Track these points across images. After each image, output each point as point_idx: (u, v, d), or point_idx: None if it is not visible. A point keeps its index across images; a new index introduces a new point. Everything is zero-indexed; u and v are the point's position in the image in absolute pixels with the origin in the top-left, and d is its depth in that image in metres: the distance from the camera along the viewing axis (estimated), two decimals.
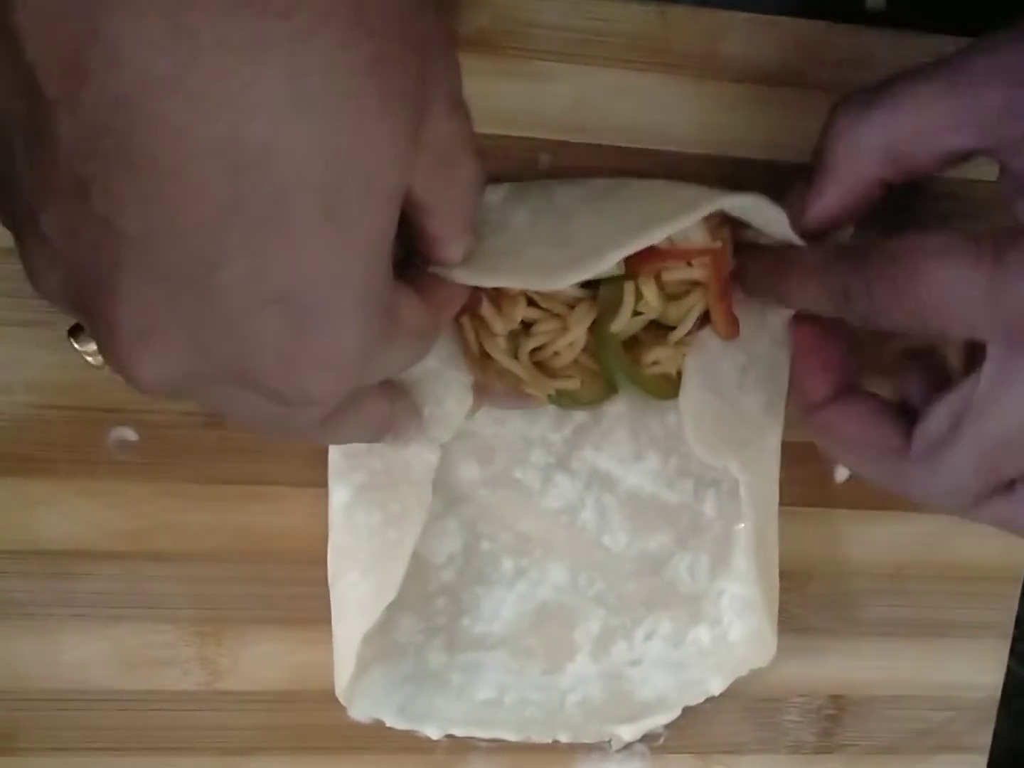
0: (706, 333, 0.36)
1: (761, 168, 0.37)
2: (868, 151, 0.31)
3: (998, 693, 0.45)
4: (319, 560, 0.36)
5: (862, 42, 0.37)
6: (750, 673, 0.39)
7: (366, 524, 0.35)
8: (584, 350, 0.35)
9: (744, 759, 0.43)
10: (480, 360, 0.35)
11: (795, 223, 0.33)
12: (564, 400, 0.36)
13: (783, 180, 0.35)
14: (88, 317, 0.25)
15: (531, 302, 0.35)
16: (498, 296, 0.34)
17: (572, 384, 0.36)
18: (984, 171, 0.32)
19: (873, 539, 0.42)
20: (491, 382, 0.35)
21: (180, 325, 0.24)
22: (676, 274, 0.35)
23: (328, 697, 0.37)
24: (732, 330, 0.36)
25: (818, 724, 0.44)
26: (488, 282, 0.32)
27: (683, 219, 0.32)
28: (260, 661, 0.39)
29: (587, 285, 0.35)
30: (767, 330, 0.36)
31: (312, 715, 0.39)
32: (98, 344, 0.25)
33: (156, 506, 0.37)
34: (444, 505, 0.38)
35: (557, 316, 0.35)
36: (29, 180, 0.23)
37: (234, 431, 0.37)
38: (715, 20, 0.36)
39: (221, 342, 0.25)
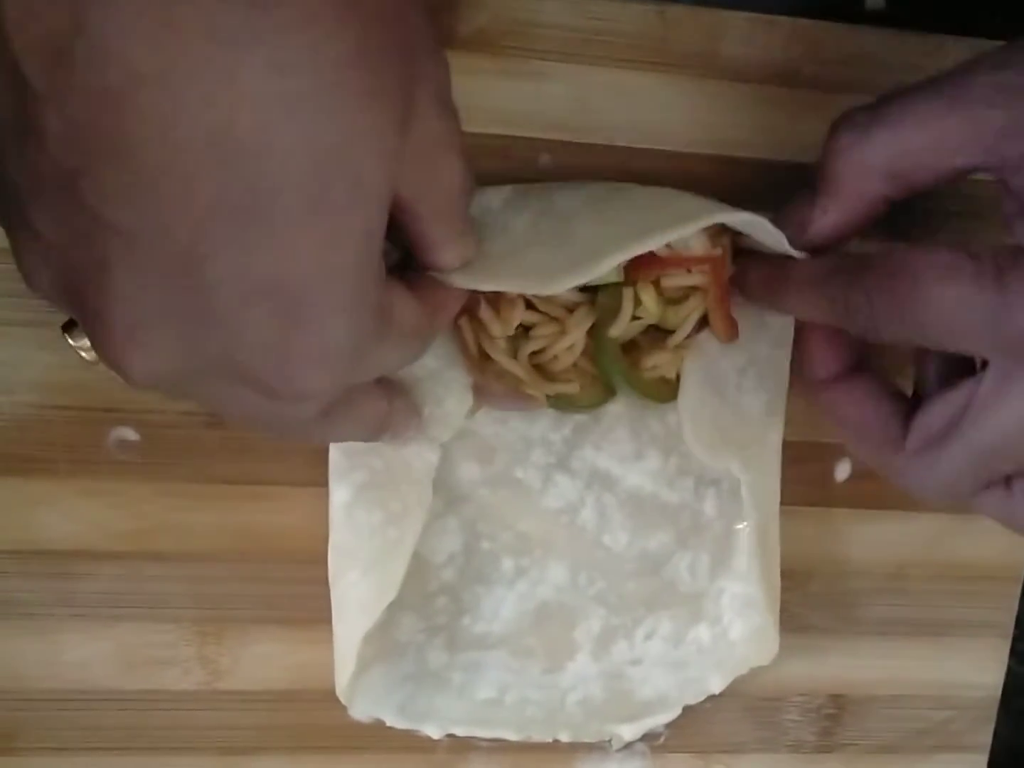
0: (705, 335, 0.36)
1: (761, 168, 0.37)
2: (870, 170, 0.31)
3: (998, 692, 0.45)
4: (319, 559, 0.36)
5: (862, 42, 0.37)
6: (750, 672, 0.39)
7: (367, 523, 0.35)
8: (583, 354, 0.35)
9: (744, 758, 0.43)
10: (479, 361, 0.35)
11: (797, 238, 0.33)
12: (562, 404, 0.36)
13: (783, 180, 0.35)
14: (80, 312, 0.25)
15: (530, 305, 0.35)
16: (497, 299, 0.34)
17: (571, 388, 0.36)
18: None
19: (873, 538, 0.42)
20: (490, 383, 0.35)
21: (171, 319, 0.24)
22: (675, 280, 0.35)
23: (328, 697, 0.37)
24: (731, 333, 0.36)
25: (818, 723, 0.44)
26: (485, 286, 0.32)
27: (682, 229, 0.32)
28: (260, 661, 0.39)
29: (586, 289, 0.35)
30: (766, 330, 0.36)
31: (312, 715, 0.39)
32: (90, 338, 0.25)
33: (156, 506, 0.37)
34: (444, 504, 0.38)
35: (555, 320, 0.35)
36: (20, 175, 0.23)
37: (235, 431, 0.37)
38: (715, 20, 0.36)
39: (211, 336, 0.25)
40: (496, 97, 0.35)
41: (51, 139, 0.22)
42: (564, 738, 0.40)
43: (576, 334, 0.35)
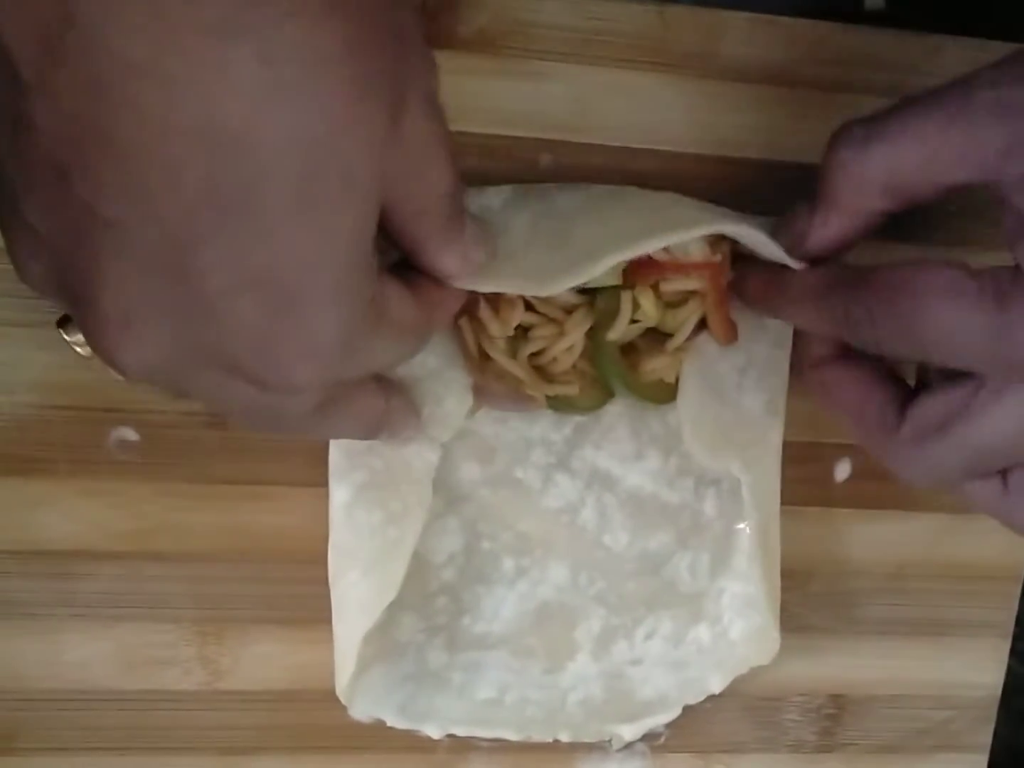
0: (703, 337, 0.36)
1: (761, 168, 0.37)
2: (869, 184, 0.31)
3: (998, 692, 0.45)
4: (319, 560, 0.36)
5: (862, 42, 0.37)
6: (750, 672, 0.39)
7: (367, 523, 0.35)
8: (582, 356, 0.35)
9: (744, 758, 0.43)
10: (479, 362, 0.35)
11: (796, 249, 0.33)
12: (561, 405, 0.36)
13: (783, 180, 0.35)
14: (72, 304, 0.25)
15: (529, 306, 0.35)
16: (496, 300, 0.34)
17: (571, 390, 0.36)
18: None
19: (873, 538, 0.42)
20: (490, 384, 0.35)
21: (162, 310, 0.24)
22: (674, 284, 0.35)
23: (329, 697, 0.37)
24: (730, 336, 0.36)
25: (818, 723, 0.44)
26: (484, 286, 0.32)
27: (679, 235, 0.32)
28: (261, 661, 0.39)
29: (585, 292, 0.35)
30: (765, 331, 0.36)
31: (312, 715, 0.39)
32: (82, 330, 0.25)
33: (156, 506, 0.37)
34: (445, 504, 0.38)
35: (554, 321, 0.35)
36: (12, 167, 0.23)
37: (235, 431, 0.37)
38: (715, 20, 0.36)
39: (202, 327, 0.25)
40: (496, 97, 0.35)
41: (41, 130, 0.22)
42: (564, 738, 0.40)
43: (574, 336, 0.35)
